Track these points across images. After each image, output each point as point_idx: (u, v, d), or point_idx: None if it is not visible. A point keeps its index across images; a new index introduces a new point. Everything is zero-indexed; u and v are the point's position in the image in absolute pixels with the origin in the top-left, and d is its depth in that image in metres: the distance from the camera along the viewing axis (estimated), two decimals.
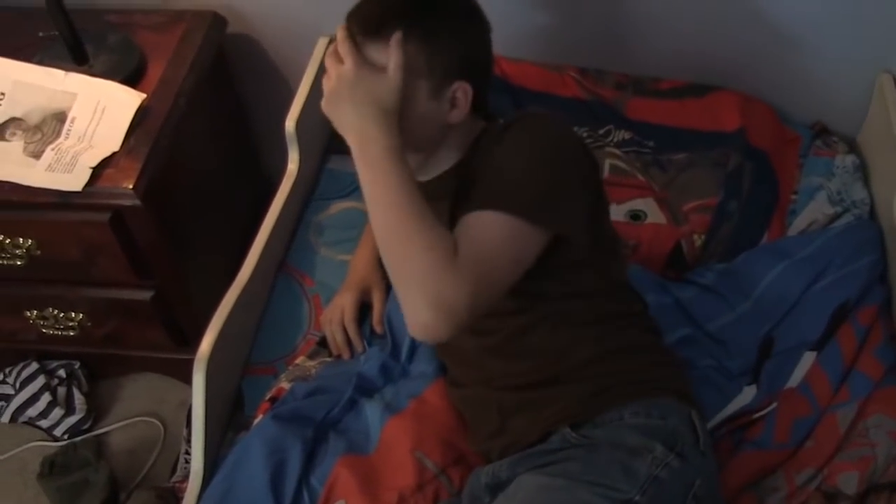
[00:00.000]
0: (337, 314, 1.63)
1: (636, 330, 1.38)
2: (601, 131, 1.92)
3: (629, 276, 1.47)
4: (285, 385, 1.58)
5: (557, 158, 1.25)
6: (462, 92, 1.28)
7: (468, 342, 1.38)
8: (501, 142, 1.26)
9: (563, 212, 1.24)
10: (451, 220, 1.26)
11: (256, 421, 1.53)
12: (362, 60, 1.22)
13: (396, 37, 1.21)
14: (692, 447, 1.28)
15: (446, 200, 1.32)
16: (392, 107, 1.20)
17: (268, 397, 1.58)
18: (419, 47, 1.24)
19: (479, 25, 1.32)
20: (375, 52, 1.23)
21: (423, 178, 1.33)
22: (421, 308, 1.12)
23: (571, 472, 1.23)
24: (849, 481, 1.43)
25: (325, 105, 1.24)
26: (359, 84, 1.20)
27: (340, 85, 1.21)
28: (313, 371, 1.62)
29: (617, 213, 1.79)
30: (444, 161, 1.35)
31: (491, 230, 1.18)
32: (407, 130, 1.22)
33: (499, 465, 1.35)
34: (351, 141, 1.21)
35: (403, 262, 1.15)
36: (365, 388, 1.56)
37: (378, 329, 1.64)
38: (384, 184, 1.17)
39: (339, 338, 1.62)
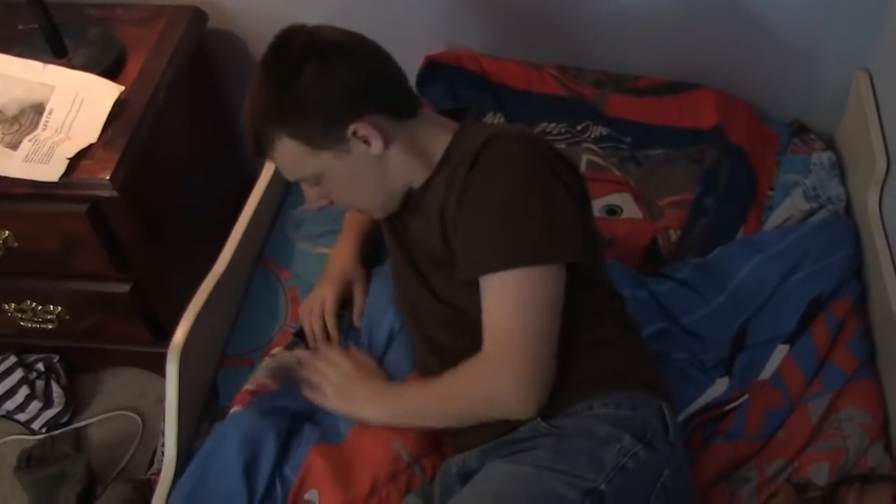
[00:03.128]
0: (317, 306, 1.63)
1: (611, 326, 1.38)
2: (579, 127, 1.93)
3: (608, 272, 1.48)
4: (270, 384, 1.58)
5: (540, 186, 1.25)
6: (359, 129, 1.29)
7: (446, 339, 1.39)
8: (475, 179, 1.26)
9: (568, 237, 1.26)
10: (441, 227, 1.32)
11: (233, 410, 1.53)
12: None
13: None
14: (661, 439, 1.28)
15: (435, 210, 1.33)
16: (359, 374, 1.46)
17: (251, 388, 1.57)
18: (295, 141, 1.30)
19: (332, 64, 1.29)
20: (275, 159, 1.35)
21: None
22: (512, 405, 1.26)
23: (539, 460, 1.23)
24: (820, 472, 1.43)
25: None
26: (334, 399, 1.44)
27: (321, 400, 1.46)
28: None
29: (593, 208, 1.79)
30: (417, 177, 1.36)
31: (506, 297, 1.24)
32: (362, 196, 1.36)
33: (469, 455, 1.36)
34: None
35: (471, 419, 1.33)
36: None
37: (357, 323, 1.63)
38: (405, 417, 1.40)
39: (318, 329, 1.62)
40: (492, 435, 1.34)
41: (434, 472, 1.44)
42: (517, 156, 1.26)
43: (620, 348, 1.37)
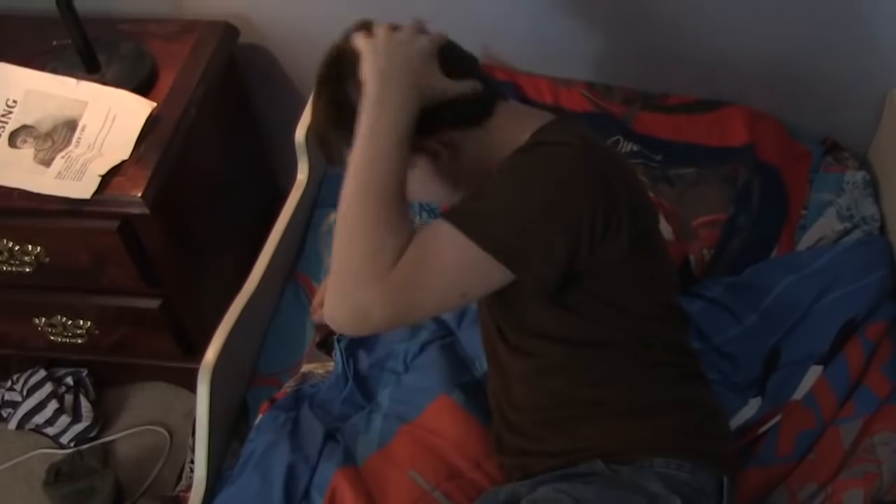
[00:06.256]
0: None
1: (688, 385, 1.33)
2: (608, 143, 1.92)
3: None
4: (288, 389, 1.60)
5: (547, 201, 1.13)
6: (426, 146, 1.21)
7: (518, 363, 1.32)
8: (508, 161, 1.19)
9: (528, 248, 1.13)
10: None
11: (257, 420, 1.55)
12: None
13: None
14: None
15: None
16: (422, 96, 1.17)
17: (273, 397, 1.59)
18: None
19: None
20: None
21: None
22: (338, 304, 1.12)
23: (585, 498, 1.19)
24: (854, 498, 1.41)
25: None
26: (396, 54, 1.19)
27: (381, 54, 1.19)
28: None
29: None
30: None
31: (442, 245, 1.13)
32: (432, 196, 1.35)
33: (520, 485, 1.30)
34: (371, 91, 1.16)
35: (347, 251, 1.13)
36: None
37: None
38: (372, 161, 1.14)
39: None
40: (541, 467, 1.29)
41: (458, 497, 1.43)
42: (551, 164, 1.15)
43: (696, 410, 1.32)
